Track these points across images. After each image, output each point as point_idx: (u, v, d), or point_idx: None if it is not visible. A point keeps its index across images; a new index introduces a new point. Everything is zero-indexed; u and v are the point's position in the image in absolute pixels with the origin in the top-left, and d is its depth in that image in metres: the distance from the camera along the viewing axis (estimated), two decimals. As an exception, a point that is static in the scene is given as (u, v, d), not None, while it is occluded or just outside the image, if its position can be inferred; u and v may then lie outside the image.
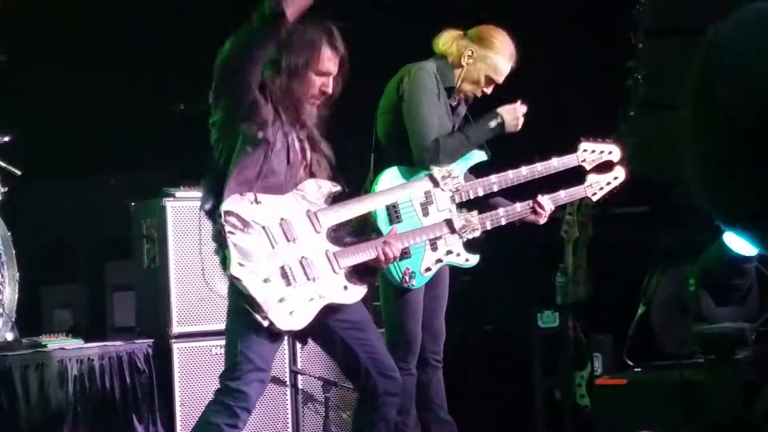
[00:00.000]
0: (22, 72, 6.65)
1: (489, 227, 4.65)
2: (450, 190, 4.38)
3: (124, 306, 6.71)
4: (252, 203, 3.85)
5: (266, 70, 3.96)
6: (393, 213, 4.63)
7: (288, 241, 3.89)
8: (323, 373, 5.91)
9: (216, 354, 5.74)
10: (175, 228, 5.77)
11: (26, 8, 6.77)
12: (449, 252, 4.75)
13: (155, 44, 7.41)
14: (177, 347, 5.68)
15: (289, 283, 3.84)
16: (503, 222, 4.72)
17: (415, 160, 4.67)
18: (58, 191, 7.68)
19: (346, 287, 4.00)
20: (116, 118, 7.39)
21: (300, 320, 3.86)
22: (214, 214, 3.92)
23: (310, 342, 5.81)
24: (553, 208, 4.90)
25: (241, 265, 3.79)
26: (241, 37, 3.85)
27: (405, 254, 4.45)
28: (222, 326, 5.62)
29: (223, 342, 5.58)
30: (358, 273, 4.08)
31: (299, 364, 5.93)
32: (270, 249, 3.85)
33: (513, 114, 4.81)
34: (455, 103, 4.89)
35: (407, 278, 4.62)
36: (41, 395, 5.17)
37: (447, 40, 4.86)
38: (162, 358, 5.71)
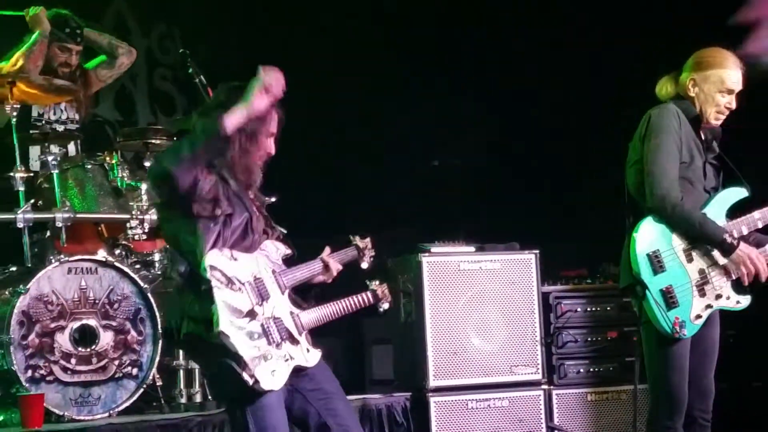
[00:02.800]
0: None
1: None
2: (367, 262, 4.34)
3: (382, 359, 6.84)
4: (230, 259, 3.83)
5: None
6: (656, 262, 4.55)
7: (263, 299, 3.85)
8: (581, 429, 5.80)
9: (472, 408, 5.74)
10: (430, 282, 5.83)
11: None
12: (718, 296, 4.60)
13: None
14: (434, 401, 5.72)
15: (269, 342, 3.79)
16: None
17: (648, 204, 4.57)
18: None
19: (308, 350, 3.95)
20: (374, 173, 7.60)
21: (279, 380, 3.80)
22: (188, 275, 3.88)
23: (567, 396, 5.87)
24: None
25: (229, 321, 3.73)
26: (180, 152, 3.80)
27: (672, 304, 4.35)
28: (478, 380, 5.77)
29: (479, 396, 5.73)
30: (302, 292, 4.07)
31: (556, 420, 5.84)
32: (250, 306, 3.80)
33: (744, 257, 4.61)
34: (705, 137, 4.76)
35: (678, 328, 4.47)
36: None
37: (664, 85, 4.80)
38: (419, 410, 5.74)
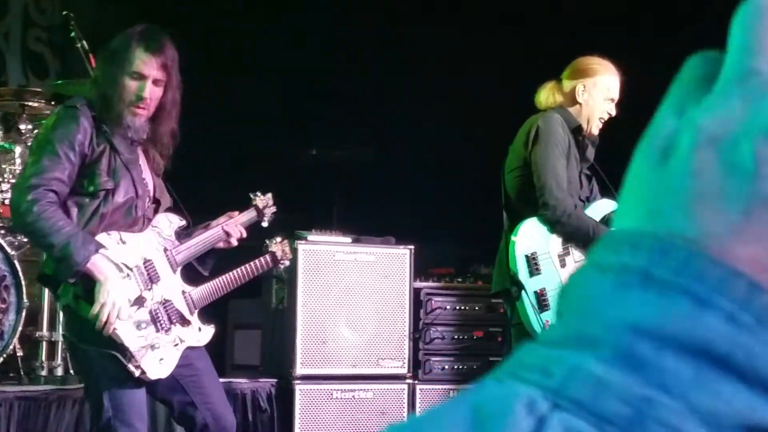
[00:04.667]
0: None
1: None
2: (267, 219, 4.24)
3: (245, 344, 6.80)
4: (118, 243, 3.67)
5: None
6: (533, 264, 4.64)
7: (153, 283, 3.74)
8: (442, 426, 5.86)
9: (336, 398, 5.76)
10: (304, 270, 5.83)
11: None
12: None
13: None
14: (299, 388, 5.71)
15: (158, 329, 3.70)
16: None
17: (540, 212, 4.66)
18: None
19: (200, 328, 3.89)
20: (257, 162, 7.55)
21: (167, 367, 3.70)
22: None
23: (431, 391, 5.94)
24: None
25: (108, 291, 3.58)
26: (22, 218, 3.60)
27: (545, 306, 4.47)
28: (345, 370, 5.78)
29: (344, 386, 5.74)
30: (199, 259, 3.95)
31: (418, 414, 5.88)
32: (138, 293, 3.69)
33: None
34: (583, 146, 4.88)
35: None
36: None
37: (548, 92, 4.88)
38: (284, 397, 5.74)
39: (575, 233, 4.69)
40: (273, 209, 4.25)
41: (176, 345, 3.72)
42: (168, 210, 3.96)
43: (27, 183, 3.56)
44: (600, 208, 4.91)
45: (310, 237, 5.96)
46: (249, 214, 4.14)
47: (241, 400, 5.63)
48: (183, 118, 3.91)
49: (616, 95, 4.84)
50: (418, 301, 6.04)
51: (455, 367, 6.06)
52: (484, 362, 6.10)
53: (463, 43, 7.47)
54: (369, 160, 7.84)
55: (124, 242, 3.66)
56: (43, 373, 5.40)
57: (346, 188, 7.88)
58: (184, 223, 3.94)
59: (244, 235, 4.03)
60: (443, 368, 6.04)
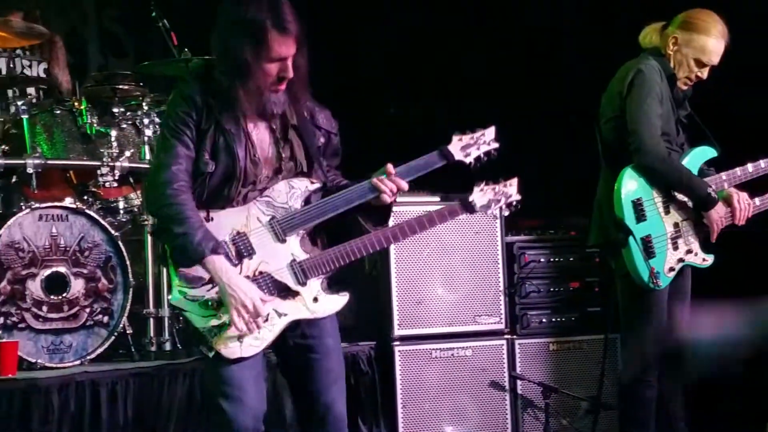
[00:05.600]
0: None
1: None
2: (479, 156, 3.75)
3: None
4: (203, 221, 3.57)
5: (217, 65, 3.62)
6: (639, 210, 4.64)
7: (243, 257, 3.57)
8: (543, 379, 5.89)
9: (436, 357, 5.80)
10: (396, 232, 5.83)
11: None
12: (689, 251, 4.73)
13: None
14: (398, 350, 5.76)
15: None
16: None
17: (633, 157, 4.63)
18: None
19: (316, 299, 3.65)
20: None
21: (252, 347, 3.55)
22: (158, 235, 3.75)
23: (530, 346, 5.97)
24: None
25: (181, 293, 3.55)
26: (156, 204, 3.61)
27: (651, 254, 4.47)
28: (442, 329, 5.81)
29: (443, 345, 5.78)
30: (367, 215, 3.71)
31: (518, 369, 5.93)
32: None
33: (719, 215, 4.72)
34: (678, 94, 4.83)
35: (654, 278, 4.57)
36: (274, 395, 5.30)
37: (648, 33, 4.84)
38: (384, 359, 5.78)
39: (668, 179, 4.66)
40: (489, 147, 3.76)
41: (267, 320, 3.55)
42: (303, 174, 3.72)
43: (163, 162, 3.57)
44: (699, 155, 4.87)
45: (399, 198, 5.94)
46: (422, 163, 3.76)
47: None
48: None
49: (710, 59, 4.72)
50: (511, 256, 6.02)
51: (553, 319, 6.05)
52: (582, 313, 6.07)
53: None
54: (441, 114, 7.79)
55: (210, 219, 3.57)
56: (153, 348, 5.51)
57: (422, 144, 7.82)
58: (313, 186, 3.69)
59: (404, 187, 3.71)
60: (541, 322, 6.04)
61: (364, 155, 4.10)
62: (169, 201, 3.52)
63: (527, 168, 7.20)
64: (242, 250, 3.57)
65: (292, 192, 3.65)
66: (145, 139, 5.63)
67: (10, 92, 5.35)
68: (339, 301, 3.72)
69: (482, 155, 3.76)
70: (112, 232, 5.26)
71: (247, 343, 3.54)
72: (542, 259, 6.09)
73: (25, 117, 5.25)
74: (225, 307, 3.50)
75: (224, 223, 3.58)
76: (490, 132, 3.77)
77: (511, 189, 3.84)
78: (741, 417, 6.26)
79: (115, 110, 5.57)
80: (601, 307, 5.97)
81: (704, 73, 4.77)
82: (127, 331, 5.30)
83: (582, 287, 6.09)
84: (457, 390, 5.79)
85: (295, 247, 3.64)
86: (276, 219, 3.62)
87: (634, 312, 4.71)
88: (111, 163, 5.41)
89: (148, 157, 5.59)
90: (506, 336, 5.94)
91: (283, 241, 3.62)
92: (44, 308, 5.04)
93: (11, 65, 5.76)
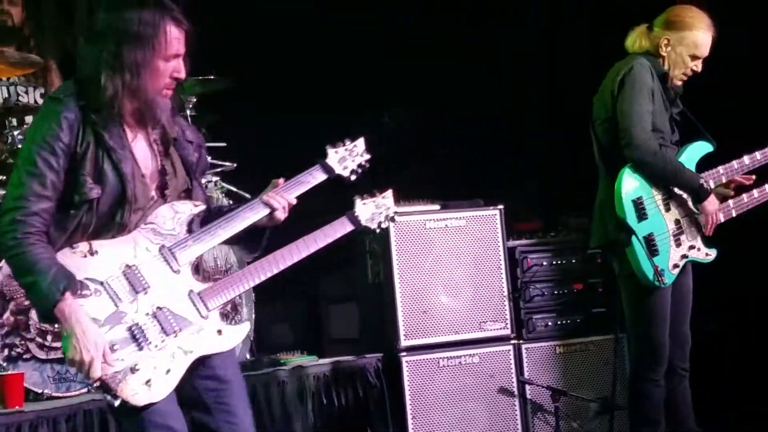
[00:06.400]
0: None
1: (735, 215, 4.77)
2: (354, 169, 3.62)
3: (341, 318, 6.85)
4: (86, 256, 3.22)
5: (103, 70, 3.24)
6: (640, 209, 4.63)
7: (137, 292, 3.23)
8: (551, 382, 5.88)
9: (443, 366, 5.79)
10: (397, 242, 5.83)
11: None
12: (692, 247, 4.74)
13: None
14: (406, 360, 5.74)
15: (140, 347, 3.21)
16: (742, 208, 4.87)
17: (625, 153, 4.63)
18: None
19: (220, 331, 3.34)
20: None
21: (161, 389, 3.21)
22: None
23: (536, 350, 5.95)
24: None
25: (75, 347, 3.15)
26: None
27: (654, 252, 4.48)
28: (448, 338, 5.80)
29: (450, 354, 5.77)
30: (247, 238, 3.45)
31: (526, 374, 5.91)
32: (113, 309, 3.21)
33: (713, 208, 4.72)
34: (673, 92, 4.85)
35: (658, 276, 4.57)
36: (284, 412, 5.31)
37: (636, 38, 4.86)
38: (392, 371, 5.77)
39: (660, 173, 4.68)
40: (362, 159, 3.65)
41: (173, 359, 3.24)
42: (185, 193, 3.44)
43: (10, 206, 3.20)
44: (696, 150, 4.89)
45: (399, 209, 5.93)
46: (311, 173, 3.55)
47: (350, 377, 5.68)
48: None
49: (702, 52, 4.78)
50: (513, 261, 6.03)
51: (558, 322, 6.05)
52: (588, 315, 6.08)
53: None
54: (436, 121, 7.78)
55: (95, 252, 3.23)
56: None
57: (421, 152, 7.80)
58: (198, 208, 3.40)
59: (293, 202, 3.47)
60: (546, 325, 6.03)
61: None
62: (15, 251, 3.17)
63: (526, 170, 7.35)
64: (136, 285, 3.24)
65: (176, 217, 3.35)
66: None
67: (7, 122, 5.32)
68: (242, 330, 3.43)
69: (357, 168, 3.65)
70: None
71: (156, 387, 3.21)
72: (545, 263, 6.09)
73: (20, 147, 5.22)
74: (132, 346, 3.20)
75: (110, 256, 3.25)
76: (361, 143, 3.67)
77: (389, 201, 3.76)
78: (751, 415, 6.28)
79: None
80: (606, 308, 5.96)
81: (699, 66, 4.82)
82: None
83: (586, 288, 6.10)
84: (466, 397, 5.79)
85: (189, 278, 3.36)
86: (166, 248, 3.32)
87: (640, 312, 4.71)
88: None
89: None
90: (513, 341, 5.94)
91: (177, 271, 3.32)
92: (48, 337, 5.01)
93: (7, 94, 5.75)
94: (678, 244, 4.72)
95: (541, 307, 6.06)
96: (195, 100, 5.88)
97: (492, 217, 5.99)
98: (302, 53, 7.18)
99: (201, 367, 3.35)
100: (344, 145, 3.62)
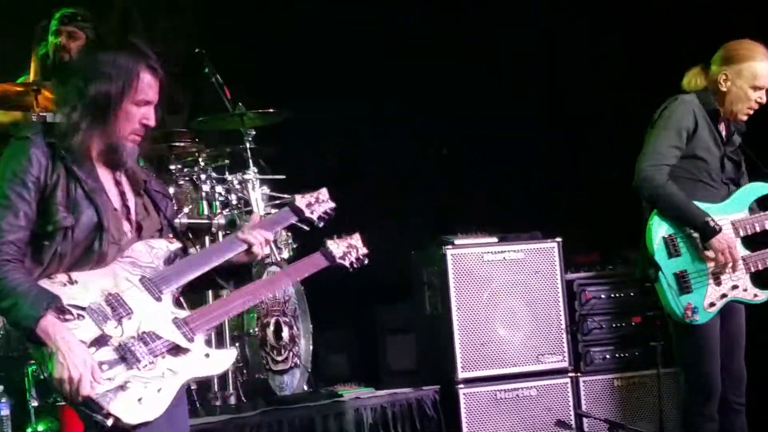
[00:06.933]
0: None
1: None
2: (320, 215, 3.80)
3: (399, 349, 6.87)
4: (65, 285, 3.22)
5: (68, 106, 3.34)
6: (671, 246, 4.60)
7: (120, 317, 3.22)
8: (609, 415, 5.85)
9: (501, 398, 5.79)
10: (455, 274, 5.85)
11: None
12: (735, 287, 4.67)
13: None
14: (463, 393, 5.75)
15: (130, 366, 3.17)
16: None
17: (633, 182, 4.66)
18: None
19: (208, 355, 3.35)
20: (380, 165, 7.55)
21: (154, 407, 3.16)
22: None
23: (594, 383, 5.92)
24: None
25: (62, 363, 3.09)
26: None
27: (686, 289, 4.48)
28: (505, 370, 5.80)
29: (507, 386, 5.77)
30: (230, 273, 3.54)
31: (584, 407, 5.89)
32: (98, 332, 3.18)
33: (722, 246, 4.63)
34: (726, 129, 4.80)
35: (689, 313, 4.54)
36: (341, 444, 5.33)
37: (692, 77, 4.85)
38: (449, 403, 5.78)
39: (661, 205, 4.64)
40: (327, 206, 3.84)
41: (163, 378, 3.22)
42: (159, 233, 3.50)
43: None
44: (751, 191, 4.83)
45: (457, 241, 5.98)
46: (282, 215, 3.78)
47: (408, 408, 5.69)
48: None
49: (763, 83, 4.70)
50: (571, 293, 6.02)
51: (617, 355, 6.03)
52: (645, 348, 6.00)
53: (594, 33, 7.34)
54: (490, 156, 7.77)
55: (74, 282, 3.23)
56: (218, 403, 5.52)
57: (480, 184, 7.79)
58: (174, 246, 3.46)
59: (270, 238, 3.57)
60: (604, 358, 6.01)
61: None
62: None
63: (580, 203, 7.32)
64: (119, 310, 3.24)
65: (153, 252, 3.40)
66: (203, 194, 5.67)
67: None
68: (230, 355, 3.46)
69: (323, 214, 3.83)
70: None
71: (148, 405, 3.17)
72: (603, 295, 6.07)
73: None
74: (121, 366, 3.17)
75: (91, 285, 3.25)
76: (325, 192, 3.85)
77: (358, 243, 3.88)
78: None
79: (172, 167, 5.64)
80: (665, 341, 5.91)
81: (764, 98, 4.76)
82: (191, 386, 5.33)
83: (644, 321, 6.05)
84: (524, 430, 5.78)
85: (171, 305, 3.38)
86: (147, 278, 3.35)
87: (683, 347, 4.70)
88: None
89: (206, 212, 5.65)
90: (570, 374, 5.92)
91: (159, 299, 3.34)
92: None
93: None
94: (718, 283, 4.65)
95: (599, 340, 6.04)
96: (254, 132, 5.95)
97: (550, 249, 5.99)
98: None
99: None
100: (310, 192, 3.83)
